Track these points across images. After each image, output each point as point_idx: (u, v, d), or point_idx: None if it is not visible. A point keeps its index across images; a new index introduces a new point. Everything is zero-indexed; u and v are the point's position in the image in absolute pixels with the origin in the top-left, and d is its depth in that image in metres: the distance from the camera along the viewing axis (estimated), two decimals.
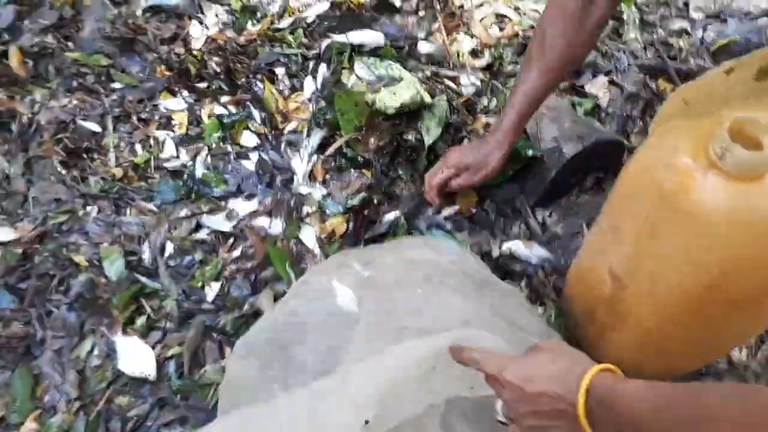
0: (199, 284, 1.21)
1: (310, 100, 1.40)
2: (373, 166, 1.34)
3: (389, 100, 1.34)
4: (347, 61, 1.40)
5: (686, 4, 1.91)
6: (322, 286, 1.03)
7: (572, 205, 1.41)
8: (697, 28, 1.85)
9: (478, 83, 1.46)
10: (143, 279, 1.20)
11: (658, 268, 0.85)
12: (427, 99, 1.35)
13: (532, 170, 1.37)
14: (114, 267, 1.21)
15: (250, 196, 1.32)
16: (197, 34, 1.58)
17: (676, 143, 0.77)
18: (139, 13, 1.61)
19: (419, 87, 1.38)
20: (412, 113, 1.35)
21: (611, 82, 1.62)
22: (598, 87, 1.59)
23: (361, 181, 1.33)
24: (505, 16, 1.71)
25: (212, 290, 1.21)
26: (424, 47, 1.50)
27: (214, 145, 1.38)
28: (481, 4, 1.73)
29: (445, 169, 1.23)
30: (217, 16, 1.64)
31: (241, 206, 1.31)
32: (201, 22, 1.62)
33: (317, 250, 1.26)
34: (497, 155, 1.18)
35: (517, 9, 1.75)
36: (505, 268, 1.28)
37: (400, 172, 1.35)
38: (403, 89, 1.36)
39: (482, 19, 1.69)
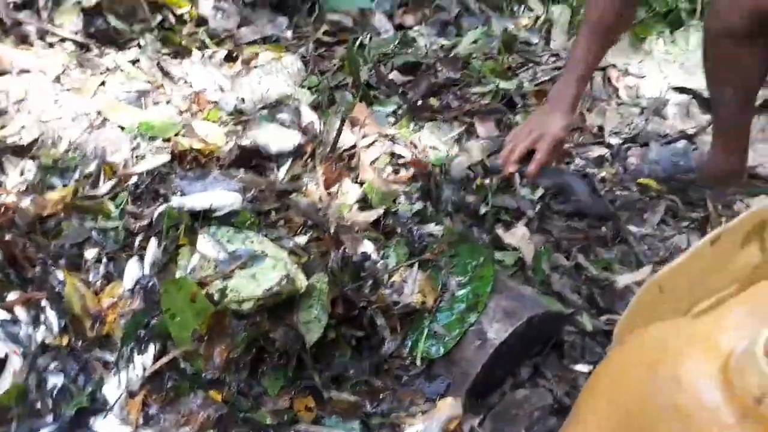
0: None
1: (132, 291, 0.99)
2: (225, 385, 0.93)
3: (247, 288, 0.96)
4: (186, 234, 1.02)
5: (601, 129, 1.71)
6: None
7: (508, 407, 1.04)
8: (618, 155, 1.64)
9: (371, 250, 1.11)
10: None
11: None
12: (302, 282, 0.98)
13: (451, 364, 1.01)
14: None
15: None
16: None
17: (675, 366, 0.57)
18: None
19: (290, 265, 1.01)
20: (280, 304, 0.96)
21: (533, 230, 1.32)
22: (518, 238, 1.28)
23: (206, 412, 0.90)
24: (402, 157, 1.41)
25: None
26: (299, 205, 1.14)
27: None
28: (373, 143, 1.44)
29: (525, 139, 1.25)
30: (23, 174, 1.23)
31: None
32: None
33: None
34: (558, 121, 1.25)
35: (413, 145, 1.47)
36: None
37: (266, 385, 0.95)
38: (267, 271, 0.99)
39: (374, 161, 1.38)
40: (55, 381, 0.93)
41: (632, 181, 1.56)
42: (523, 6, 1.96)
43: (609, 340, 1.20)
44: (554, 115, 1.25)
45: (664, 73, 1.92)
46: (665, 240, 1.41)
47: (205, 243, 1.02)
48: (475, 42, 1.74)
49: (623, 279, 1.27)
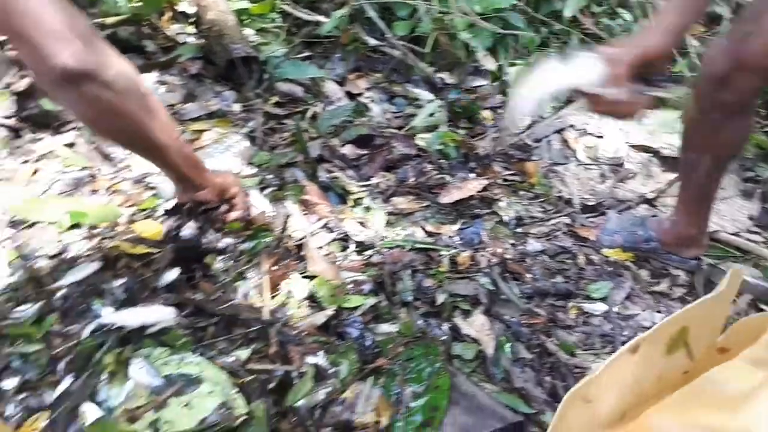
0: None
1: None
2: None
3: (180, 418, 0.88)
4: (117, 361, 0.93)
5: (560, 198, 1.67)
6: None
7: None
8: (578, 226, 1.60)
9: (321, 361, 1.03)
10: None
11: None
12: (241, 409, 0.90)
13: None
14: None
15: None
16: None
17: None
18: None
19: (229, 389, 0.93)
20: None
21: (493, 316, 1.27)
22: (477, 328, 1.23)
23: None
24: (360, 243, 1.34)
25: None
26: (239, 314, 1.06)
27: None
28: (325, 226, 1.37)
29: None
30: None
31: None
32: None
33: None
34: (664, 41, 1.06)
35: (362, 223, 1.40)
36: None
37: None
38: (203, 398, 0.91)
39: (323, 246, 1.32)
40: None
41: (596, 253, 1.53)
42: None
43: None
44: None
45: (623, 131, 1.91)
46: (629, 318, 1.37)
47: (138, 368, 0.93)
48: (431, 115, 1.71)
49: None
